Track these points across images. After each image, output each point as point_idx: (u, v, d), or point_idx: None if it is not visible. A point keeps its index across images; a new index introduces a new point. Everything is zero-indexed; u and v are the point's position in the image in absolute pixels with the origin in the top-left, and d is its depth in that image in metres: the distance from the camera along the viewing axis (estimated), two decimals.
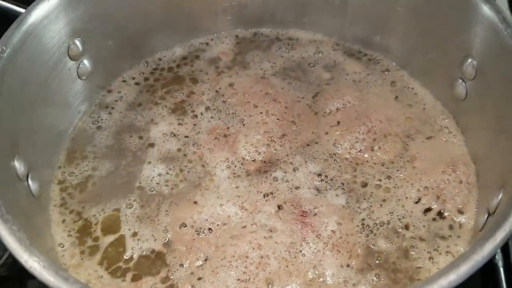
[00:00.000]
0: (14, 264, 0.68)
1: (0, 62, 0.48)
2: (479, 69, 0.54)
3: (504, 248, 0.63)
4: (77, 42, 0.59)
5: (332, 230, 0.50)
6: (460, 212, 0.52)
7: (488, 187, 0.51)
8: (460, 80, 0.57)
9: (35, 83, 0.54)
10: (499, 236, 0.34)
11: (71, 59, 0.59)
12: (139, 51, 0.68)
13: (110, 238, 0.52)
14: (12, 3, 0.59)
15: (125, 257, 0.50)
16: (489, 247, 0.34)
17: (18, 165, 0.48)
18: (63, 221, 0.53)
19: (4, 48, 0.49)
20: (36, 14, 0.52)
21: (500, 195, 0.44)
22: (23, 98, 0.52)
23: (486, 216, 0.47)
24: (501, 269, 0.62)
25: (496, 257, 0.63)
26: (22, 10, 0.56)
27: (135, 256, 0.50)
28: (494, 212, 0.44)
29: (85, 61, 0.61)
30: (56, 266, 0.35)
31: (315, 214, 0.51)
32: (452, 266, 0.33)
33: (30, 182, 0.50)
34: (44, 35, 0.54)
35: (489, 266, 0.63)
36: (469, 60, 0.55)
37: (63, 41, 0.57)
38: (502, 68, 0.50)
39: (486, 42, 0.52)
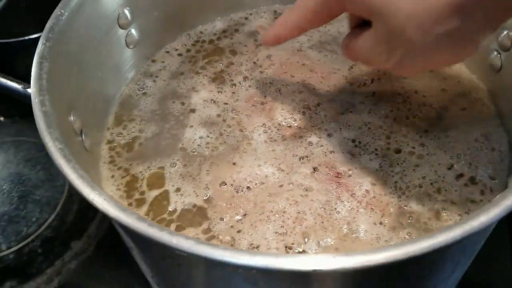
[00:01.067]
0: (59, 226, 0.73)
1: (59, 24, 0.52)
2: None
3: None
4: (126, 12, 0.62)
5: (366, 190, 0.52)
6: (492, 178, 0.53)
7: None
8: (496, 52, 0.58)
9: (90, 47, 0.58)
10: None
11: (120, 28, 0.63)
12: (182, 24, 0.71)
13: (155, 192, 0.55)
14: None
15: (169, 209, 0.54)
16: None
17: (74, 120, 0.52)
18: (112, 176, 0.57)
19: (63, 11, 0.53)
20: None
21: None
22: (78, 60, 0.56)
23: None
24: None
25: None
26: None
27: (178, 209, 0.54)
28: None
29: (133, 31, 0.65)
30: (114, 200, 0.38)
31: (350, 176, 0.53)
32: (483, 210, 0.35)
33: (83, 137, 0.54)
34: (99, 2, 0.58)
35: None
36: (505, 32, 0.56)
37: (114, 9, 0.60)
38: None
39: None
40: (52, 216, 0.74)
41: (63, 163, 0.40)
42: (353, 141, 0.58)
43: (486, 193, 0.53)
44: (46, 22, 0.52)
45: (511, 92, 0.57)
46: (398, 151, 0.56)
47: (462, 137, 0.57)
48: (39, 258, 0.70)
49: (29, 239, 0.71)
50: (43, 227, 0.73)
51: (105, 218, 0.71)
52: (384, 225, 0.50)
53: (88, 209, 0.74)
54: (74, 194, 0.75)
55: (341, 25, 0.72)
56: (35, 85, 0.46)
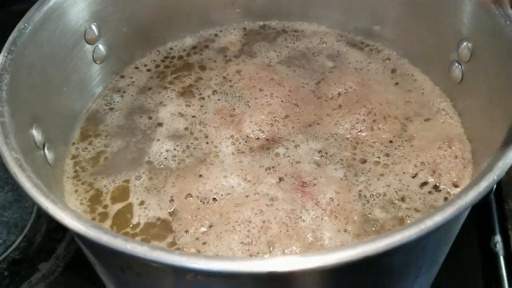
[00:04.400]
0: (27, 248, 0.71)
1: (22, 37, 0.52)
2: (473, 51, 0.56)
3: (505, 237, 0.65)
4: (93, 27, 0.63)
5: (330, 198, 0.52)
6: (455, 185, 0.54)
7: (482, 162, 0.53)
8: (456, 64, 0.59)
9: (54, 61, 0.57)
10: (483, 185, 0.36)
11: (87, 43, 0.63)
12: (151, 40, 0.72)
13: (119, 205, 0.54)
14: None
15: (132, 222, 0.53)
16: (473, 194, 0.36)
17: (36, 134, 0.51)
18: (76, 191, 0.56)
19: (26, 25, 0.53)
20: None
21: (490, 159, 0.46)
22: (42, 74, 0.55)
23: None
24: (502, 258, 0.64)
25: (497, 246, 0.65)
26: None
27: (142, 222, 0.53)
28: None
29: (100, 46, 0.65)
30: (70, 208, 0.38)
31: (315, 185, 0.53)
32: (438, 209, 0.35)
33: (46, 151, 0.53)
34: (64, 17, 0.58)
35: (490, 255, 0.65)
36: (465, 43, 0.57)
37: (80, 24, 0.61)
38: (495, 47, 0.52)
39: (478, 23, 0.54)
40: (20, 238, 0.71)
41: (18, 172, 0.40)
42: (320, 151, 0.58)
43: (450, 199, 0.53)
44: None
45: (472, 102, 0.59)
46: (363, 161, 0.57)
47: (426, 146, 0.57)
48: (5, 281, 0.67)
49: None
50: (10, 249, 0.70)
51: (74, 239, 0.69)
52: (349, 233, 0.50)
53: (56, 231, 0.72)
54: (42, 216, 0.73)
55: (309, 41, 0.73)
56: None
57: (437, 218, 0.34)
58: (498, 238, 0.66)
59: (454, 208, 0.35)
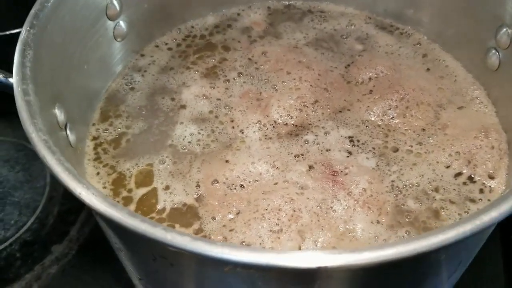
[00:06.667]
0: (39, 229, 0.69)
1: (44, 10, 0.49)
2: None
3: None
4: (115, 2, 0.60)
5: (363, 188, 0.50)
6: (491, 177, 0.52)
7: None
8: (494, 51, 0.57)
9: (76, 37, 0.55)
10: None
11: (109, 19, 0.60)
12: (172, 18, 0.69)
13: (143, 190, 0.53)
14: None
15: (158, 208, 0.51)
16: None
17: (59, 113, 0.49)
18: (98, 173, 0.54)
19: None
20: None
21: None
22: (63, 50, 0.53)
23: None
24: None
25: None
26: None
27: (168, 208, 0.51)
28: None
29: (121, 23, 0.62)
30: (103, 194, 0.36)
31: (346, 174, 0.52)
32: (494, 204, 0.33)
33: (68, 132, 0.51)
34: None
35: (511, 250, 0.64)
36: (504, 29, 0.55)
37: None
38: None
39: None
40: (32, 219, 0.70)
41: (47, 155, 0.38)
42: (350, 139, 0.56)
43: (485, 191, 0.51)
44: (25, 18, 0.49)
45: (509, 90, 0.56)
46: (395, 149, 0.55)
47: (461, 135, 0.55)
48: (17, 263, 0.66)
49: (7, 243, 0.67)
50: (22, 231, 0.69)
51: (87, 221, 0.68)
52: (382, 224, 0.48)
53: (69, 212, 0.70)
54: (54, 196, 0.71)
55: (337, 23, 0.70)
56: (18, 73, 0.44)
57: (493, 214, 0.33)
58: None
59: (510, 204, 0.33)
